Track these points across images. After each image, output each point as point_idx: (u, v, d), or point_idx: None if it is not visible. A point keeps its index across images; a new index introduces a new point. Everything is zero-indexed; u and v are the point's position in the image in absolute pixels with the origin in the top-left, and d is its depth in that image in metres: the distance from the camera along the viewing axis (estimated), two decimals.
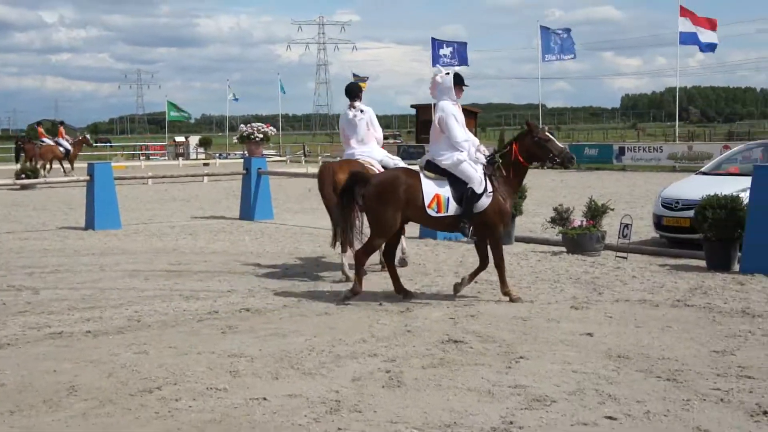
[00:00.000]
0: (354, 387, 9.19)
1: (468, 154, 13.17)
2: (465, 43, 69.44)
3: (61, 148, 52.26)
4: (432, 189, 13.08)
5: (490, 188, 12.78)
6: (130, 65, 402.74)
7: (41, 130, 60.07)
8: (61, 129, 56.61)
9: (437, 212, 12.94)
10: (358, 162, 15.88)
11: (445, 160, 13.26)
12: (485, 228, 13.23)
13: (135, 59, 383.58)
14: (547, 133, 11.74)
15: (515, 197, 12.07)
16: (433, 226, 15.66)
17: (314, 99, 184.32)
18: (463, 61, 67.18)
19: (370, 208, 13.49)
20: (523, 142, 12.71)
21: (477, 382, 9.29)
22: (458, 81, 13.15)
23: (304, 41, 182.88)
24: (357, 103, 16.06)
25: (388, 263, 14.13)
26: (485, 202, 12.75)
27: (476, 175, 12.83)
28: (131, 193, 32.35)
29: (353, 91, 16.17)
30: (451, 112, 13.13)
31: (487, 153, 13.09)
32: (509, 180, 12.94)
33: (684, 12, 56.45)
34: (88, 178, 25.20)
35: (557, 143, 12.71)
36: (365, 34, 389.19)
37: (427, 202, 13.03)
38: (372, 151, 16.58)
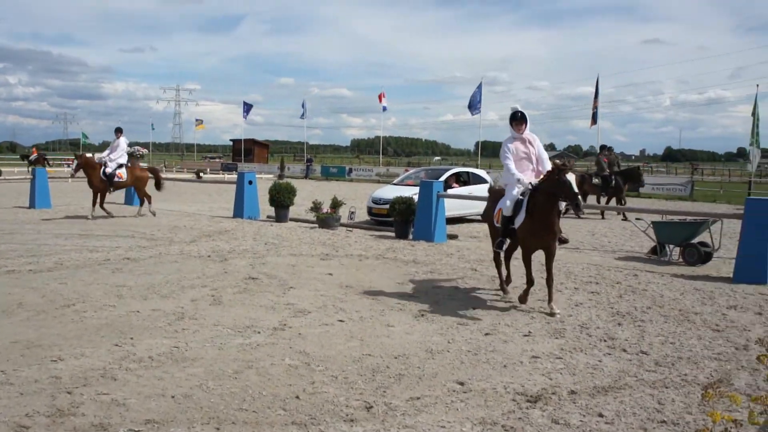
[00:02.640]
0: (192, 305, 9.10)
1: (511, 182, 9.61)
2: (251, 105, 70.24)
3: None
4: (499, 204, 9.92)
5: (523, 213, 9.25)
6: (60, 109, 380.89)
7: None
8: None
9: (496, 222, 10.02)
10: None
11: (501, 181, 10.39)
12: (516, 243, 9.97)
13: (63, 106, 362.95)
14: (565, 176, 8.67)
15: (543, 225, 9.01)
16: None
17: (171, 133, 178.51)
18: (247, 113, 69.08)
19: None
20: (548, 179, 8.92)
21: (265, 302, 9.35)
22: (512, 117, 9.76)
23: (167, 99, 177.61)
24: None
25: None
26: (517, 222, 9.40)
27: (505, 200, 9.61)
28: (59, 186, 30.68)
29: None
30: (503, 147, 9.70)
31: (529, 184, 9.34)
32: (540, 208, 9.03)
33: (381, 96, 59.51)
34: (31, 177, 23.99)
35: (571, 188, 8.62)
36: (203, 96, 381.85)
37: (495, 212, 10.11)
38: None
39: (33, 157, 57.19)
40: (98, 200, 20.17)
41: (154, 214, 20.71)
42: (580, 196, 8.70)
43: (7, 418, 5.25)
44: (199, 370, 6.44)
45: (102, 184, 20.04)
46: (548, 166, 9.28)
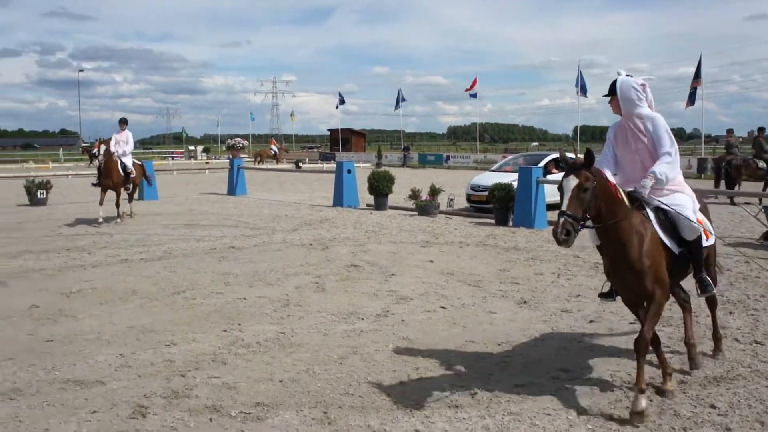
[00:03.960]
0: (296, 292, 9.32)
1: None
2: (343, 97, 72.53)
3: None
4: None
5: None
6: (163, 104, 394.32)
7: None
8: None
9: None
10: None
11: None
12: None
13: (166, 101, 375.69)
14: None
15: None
16: None
17: (269, 124, 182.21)
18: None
19: None
20: None
21: (368, 289, 9.49)
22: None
23: (264, 91, 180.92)
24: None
25: None
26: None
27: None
28: (165, 179, 31.81)
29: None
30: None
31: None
32: None
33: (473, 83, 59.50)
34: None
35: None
36: (299, 87, 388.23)
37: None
38: None
39: (95, 151, 58.50)
40: (119, 199, 17.62)
41: (129, 216, 18.23)
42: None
43: (128, 398, 5.55)
44: (305, 356, 6.62)
45: (120, 179, 17.64)
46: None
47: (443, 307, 8.46)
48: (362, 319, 7.94)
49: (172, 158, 74.36)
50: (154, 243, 13.66)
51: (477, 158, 57.70)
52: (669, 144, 5.63)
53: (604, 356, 6.63)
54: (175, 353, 6.69)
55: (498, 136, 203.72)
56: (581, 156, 5.10)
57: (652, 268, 5.29)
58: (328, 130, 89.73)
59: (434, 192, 18.81)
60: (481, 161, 54.81)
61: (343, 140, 75.12)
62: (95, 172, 17.96)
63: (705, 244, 5.72)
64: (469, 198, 20.50)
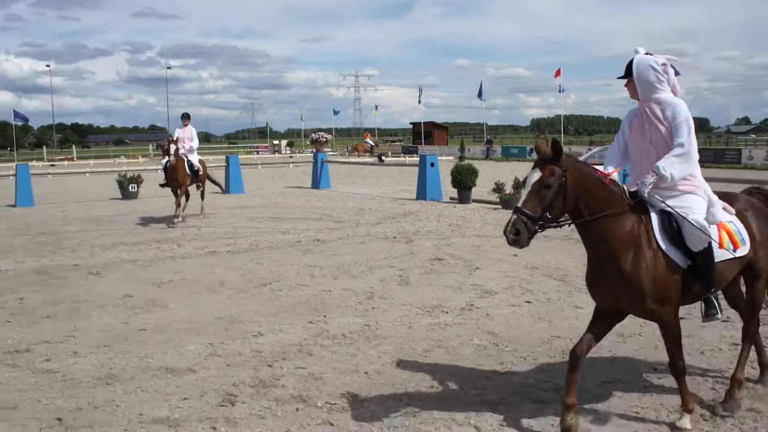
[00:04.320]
0: (381, 284, 9.38)
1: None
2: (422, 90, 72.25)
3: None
4: None
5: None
6: (247, 100, 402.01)
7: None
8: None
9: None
10: None
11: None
12: None
13: (250, 96, 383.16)
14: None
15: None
16: None
17: (352, 118, 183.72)
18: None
19: None
20: None
21: (452, 282, 9.47)
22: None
23: (346, 85, 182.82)
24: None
25: None
26: None
27: None
28: (250, 172, 32.39)
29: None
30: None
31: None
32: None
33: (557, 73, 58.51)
34: (225, 164, 25.62)
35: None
36: (381, 81, 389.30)
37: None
38: None
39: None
40: (179, 199, 16.34)
41: (201, 216, 17.36)
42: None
43: (217, 387, 5.70)
44: (390, 348, 6.66)
45: (187, 179, 16.60)
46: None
47: (528, 302, 8.38)
48: (446, 312, 7.93)
49: (257, 152, 75.84)
50: (241, 235, 13.95)
51: None
52: (685, 135, 4.78)
53: (696, 354, 6.44)
54: (263, 344, 6.83)
55: (582, 128, 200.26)
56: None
57: (654, 284, 4.59)
58: (411, 123, 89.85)
59: (518, 185, 18.61)
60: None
61: (425, 133, 75.06)
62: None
63: (722, 257, 4.83)
64: None
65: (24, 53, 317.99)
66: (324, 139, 47.70)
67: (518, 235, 4.39)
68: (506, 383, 5.73)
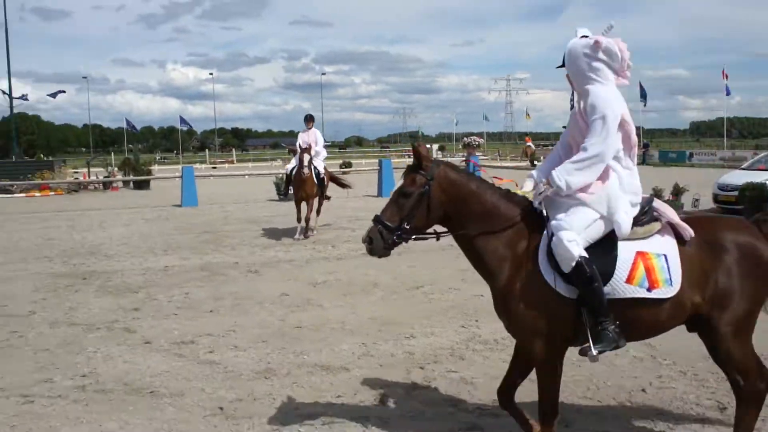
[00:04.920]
0: None
1: None
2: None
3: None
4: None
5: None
6: (399, 104, 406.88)
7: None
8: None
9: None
10: None
11: None
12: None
13: (402, 101, 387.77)
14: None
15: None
16: None
17: (503, 122, 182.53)
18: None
19: None
20: None
21: None
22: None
23: (498, 89, 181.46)
24: None
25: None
26: None
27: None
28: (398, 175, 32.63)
29: None
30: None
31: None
32: None
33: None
34: (378, 167, 26.10)
35: None
36: (533, 84, 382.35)
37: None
38: None
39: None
40: (310, 213, 14.72)
41: (312, 231, 15.10)
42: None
43: (370, 386, 5.81)
44: None
45: (315, 189, 14.77)
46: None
47: None
48: None
49: (408, 156, 76.60)
50: None
51: (724, 155, 53.98)
52: (594, 136, 4.02)
53: None
54: (415, 346, 6.90)
55: (747, 131, 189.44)
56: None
57: (526, 310, 4.07)
58: (563, 127, 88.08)
59: (678, 191, 17.89)
60: (728, 158, 51.19)
61: None
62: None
63: (628, 293, 4.04)
64: (716, 198, 19.24)
65: (190, 62, 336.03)
66: (476, 143, 47.42)
67: (372, 244, 4.22)
68: (663, 397, 5.51)
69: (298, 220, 14.54)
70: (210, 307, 8.63)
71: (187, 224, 17.81)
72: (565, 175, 4.02)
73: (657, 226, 4.14)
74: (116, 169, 38.86)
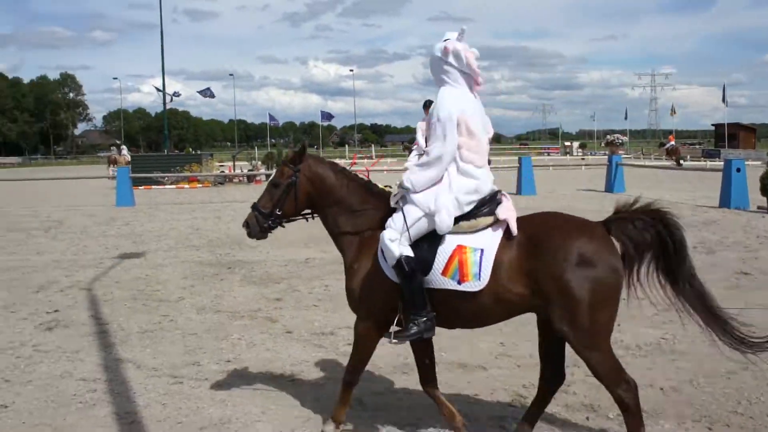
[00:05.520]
0: None
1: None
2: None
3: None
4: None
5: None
6: (538, 101, 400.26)
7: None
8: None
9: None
10: None
11: None
12: None
13: (541, 97, 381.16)
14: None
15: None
16: None
17: (647, 119, 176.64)
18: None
19: None
20: None
21: (762, 300, 8.71)
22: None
23: (641, 85, 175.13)
24: None
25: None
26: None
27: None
28: (541, 174, 32.29)
29: None
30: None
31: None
32: None
33: None
34: (517, 165, 25.84)
35: None
36: (680, 79, 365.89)
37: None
38: None
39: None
40: None
41: None
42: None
43: (507, 386, 5.80)
44: (688, 365, 6.30)
45: None
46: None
47: None
48: (756, 332, 7.31)
49: (548, 154, 75.47)
50: None
51: None
52: (434, 139, 4.33)
53: None
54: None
55: None
56: None
57: (360, 287, 4.59)
58: (713, 125, 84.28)
59: None
60: None
61: (729, 136, 69.88)
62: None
63: (441, 285, 4.28)
64: None
65: (330, 59, 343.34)
66: (620, 141, 46.18)
67: (249, 228, 4.79)
68: None
69: None
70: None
71: None
72: (411, 176, 4.37)
73: (486, 221, 4.33)
74: (260, 162, 40.28)
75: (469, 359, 6.48)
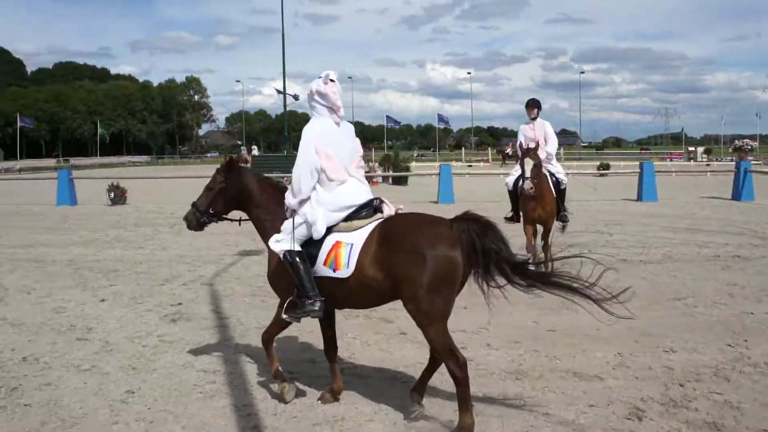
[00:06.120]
0: None
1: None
2: None
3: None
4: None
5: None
6: (660, 104, 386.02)
7: None
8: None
9: None
10: None
11: None
12: None
13: (664, 100, 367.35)
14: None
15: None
16: None
17: None
18: None
19: None
20: None
21: None
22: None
23: None
24: None
25: None
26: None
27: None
28: (663, 180, 31.24)
29: None
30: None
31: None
32: None
33: None
34: (638, 170, 25.10)
35: None
36: None
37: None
38: None
39: (509, 150, 57.30)
40: (549, 237, 10.86)
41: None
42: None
43: (624, 398, 5.62)
44: None
45: (553, 206, 10.69)
46: None
47: None
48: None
49: (670, 159, 73.02)
50: (654, 245, 13.50)
51: None
52: (297, 161, 5.38)
53: None
54: (674, 361, 6.54)
55: None
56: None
57: (274, 271, 5.61)
58: None
59: None
60: None
61: None
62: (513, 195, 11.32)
63: (323, 273, 5.30)
64: None
65: (448, 62, 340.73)
66: (749, 147, 44.13)
67: (188, 221, 5.99)
68: None
69: (528, 249, 10.37)
70: (464, 304, 8.75)
71: None
72: (287, 199, 5.46)
73: (361, 223, 5.28)
74: (377, 164, 40.66)
75: (584, 368, 6.33)
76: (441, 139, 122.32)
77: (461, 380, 4.91)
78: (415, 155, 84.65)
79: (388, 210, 5.45)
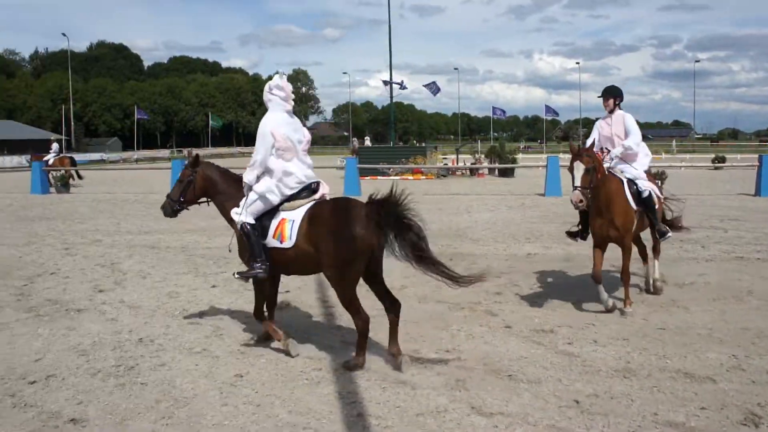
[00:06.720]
0: None
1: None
2: None
3: None
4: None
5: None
6: None
7: None
8: None
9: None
10: None
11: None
12: None
13: None
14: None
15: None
16: None
17: None
18: None
19: None
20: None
21: None
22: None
23: None
24: None
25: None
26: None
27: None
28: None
29: None
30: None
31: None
32: None
33: None
34: (757, 163, 23.96)
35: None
36: None
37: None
38: None
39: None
40: (627, 261, 8.25)
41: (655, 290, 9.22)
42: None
43: (739, 403, 5.40)
44: None
45: (631, 224, 8.18)
46: None
47: None
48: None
49: None
50: None
51: None
52: (256, 148, 6.51)
53: None
54: None
55: None
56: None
57: (239, 240, 6.72)
58: None
59: None
60: None
61: None
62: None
63: (271, 244, 6.50)
64: None
65: (555, 52, 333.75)
66: None
67: (164, 210, 7.14)
68: None
69: (595, 276, 8.09)
70: (571, 298, 8.63)
71: (550, 213, 18.00)
72: (245, 176, 6.59)
73: (301, 202, 6.46)
74: (483, 156, 40.40)
75: (696, 369, 6.12)
76: (548, 131, 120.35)
77: (361, 331, 6.16)
78: (521, 147, 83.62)
79: (323, 190, 6.59)
